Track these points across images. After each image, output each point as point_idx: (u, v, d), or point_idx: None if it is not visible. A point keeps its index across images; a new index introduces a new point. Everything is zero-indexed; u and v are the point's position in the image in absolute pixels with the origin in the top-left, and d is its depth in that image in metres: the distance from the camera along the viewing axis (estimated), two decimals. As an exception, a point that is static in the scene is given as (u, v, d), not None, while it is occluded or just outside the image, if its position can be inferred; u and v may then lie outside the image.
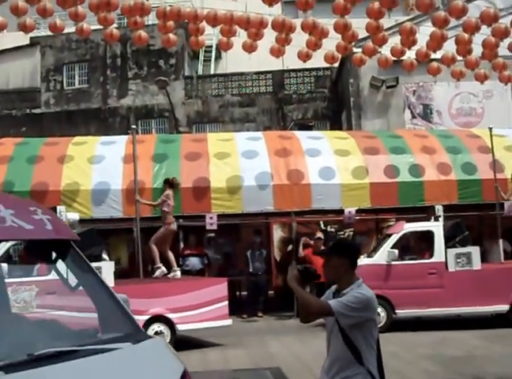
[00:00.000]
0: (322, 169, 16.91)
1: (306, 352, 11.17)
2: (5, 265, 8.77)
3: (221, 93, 29.72)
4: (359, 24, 12.85)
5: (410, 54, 14.67)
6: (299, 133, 19.46)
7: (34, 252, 4.47)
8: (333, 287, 4.53)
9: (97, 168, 16.54)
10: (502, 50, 13.97)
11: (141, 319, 10.32)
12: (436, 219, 14.53)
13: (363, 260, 13.09)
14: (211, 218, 15.78)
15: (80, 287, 4.16)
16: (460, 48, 13.80)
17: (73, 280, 4.18)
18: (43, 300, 9.91)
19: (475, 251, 13.81)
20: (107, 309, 3.99)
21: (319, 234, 16.66)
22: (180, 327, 12.09)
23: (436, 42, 13.19)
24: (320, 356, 4.52)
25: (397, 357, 10.53)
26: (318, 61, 15.43)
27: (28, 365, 3.09)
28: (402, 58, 14.84)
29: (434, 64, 15.26)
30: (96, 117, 29.27)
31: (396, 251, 13.64)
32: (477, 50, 13.96)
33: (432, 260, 13.78)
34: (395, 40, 14.01)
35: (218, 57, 32.14)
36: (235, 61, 28.34)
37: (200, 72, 31.66)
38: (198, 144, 17.86)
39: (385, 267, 13.52)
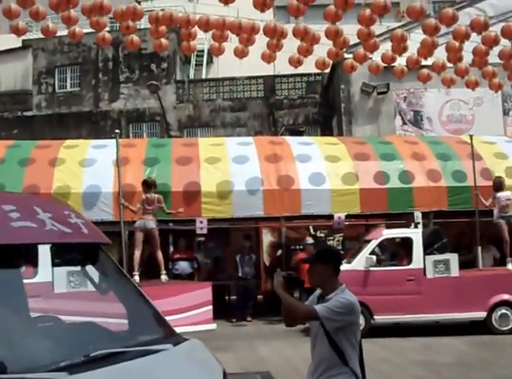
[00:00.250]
0: (312, 175, 16.93)
1: (296, 356, 11.19)
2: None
3: (212, 98, 29.73)
4: (350, 30, 12.95)
5: (401, 61, 14.79)
6: (289, 139, 19.50)
7: (63, 255, 4.40)
8: (317, 292, 4.69)
9: (88, 171, 16.52)
10: (493, 57, 14.10)
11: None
12: (415, 226, 14.54)
13: (342, 266, 13.01)
14: (201, 222, 15.79)
15: (111, 291, 4.14)
16: (450, 55, 13.94)
17: (103, 284, 4.15)
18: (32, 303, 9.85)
19: (453, 258, 13.74)
20: (141, 312, 4.00)
21: (310, 240, 16.72)
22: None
23: (427, 49, 13.31)
24: (309, 360, 4.60)
25: (388, 362, 10.59)
26: (309, 66, 15.51)
27: (86, 367, 3.06)
28: (393, 64, 14.96)
29: (425, 71, 15.38)
30: (88, 120, 29.21)
31: (374, 257, 13.56)
32: (467, 57, 14.09)
33: (410, 266, 13.72)
34: (386, 47, 14.13)
35: (210, 61, 32.09)
36: (227, 65, 28.30)
37: (191, 76, 31.65)
38: (189, 149, 17.88)
39: (364, 273, 13.42)
